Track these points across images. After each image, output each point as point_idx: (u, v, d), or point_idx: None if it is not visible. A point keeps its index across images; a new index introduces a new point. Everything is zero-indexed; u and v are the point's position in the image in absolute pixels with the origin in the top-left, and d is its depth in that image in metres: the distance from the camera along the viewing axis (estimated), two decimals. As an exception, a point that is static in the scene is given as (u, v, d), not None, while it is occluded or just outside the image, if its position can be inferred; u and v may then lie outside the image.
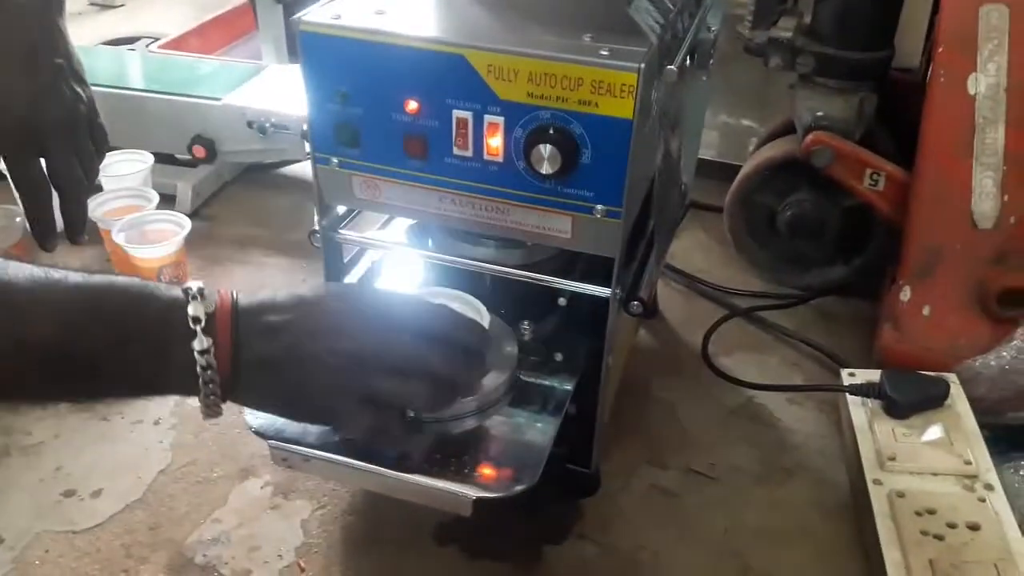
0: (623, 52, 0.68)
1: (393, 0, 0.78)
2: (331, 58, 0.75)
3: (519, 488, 0.77)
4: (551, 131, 0.72)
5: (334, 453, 0.78)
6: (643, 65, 0.67)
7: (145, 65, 1.71)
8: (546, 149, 0.72)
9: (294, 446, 0.79)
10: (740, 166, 1.37)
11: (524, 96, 0.72)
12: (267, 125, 1.46)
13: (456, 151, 0.77)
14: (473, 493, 0.75)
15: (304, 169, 1.64)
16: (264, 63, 1.64)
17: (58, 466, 1.01)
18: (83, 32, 2.34)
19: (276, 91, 1.52)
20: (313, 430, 0.79)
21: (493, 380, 0.81)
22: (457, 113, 0.74)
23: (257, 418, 0.81)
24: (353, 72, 0.75)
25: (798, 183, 1.29)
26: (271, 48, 1.64)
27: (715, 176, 1.54)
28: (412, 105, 0.75)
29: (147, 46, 2.18)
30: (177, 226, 1.25)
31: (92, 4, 2.56)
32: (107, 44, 2.26)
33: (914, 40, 1.33)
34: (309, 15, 0.75)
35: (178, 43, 2.02)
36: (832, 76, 1.21)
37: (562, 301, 0.89)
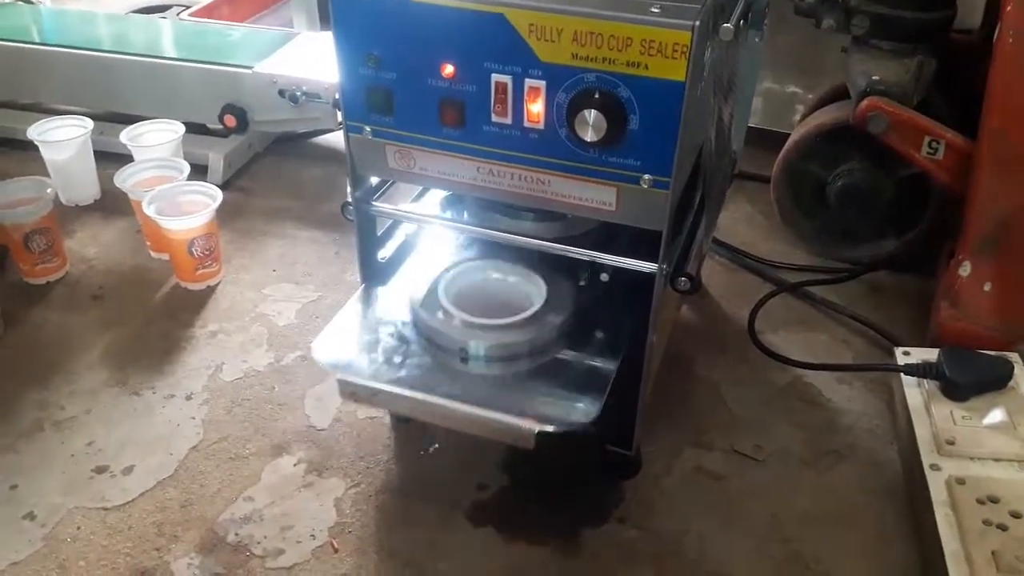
0: (676, 9, 0.64)
1: (428, -43, 0.74)
2: (363, 19, 0.71)
3: (580, 420, 0.77)
4: (596, 95, 0.68)
5: (400, 387, 0.79)
6: (697, 23, 0.62)
7: (175, 33, 1.68)
8: (591, 115, 0.68)
9: (362, 380, 0.80)
10: (786, 134, 1.31)
11: (568, 58, 0.67)
12: (299, 94, 1.43)
13: (495, 118, 0.73)
14: (536, 426, 0.75)
15: (337, 139, 1.60)
16: (296, 30, 1.61)
17: (90, 441, 0.99)
18: (116, 1, 2.32)
19: (308, 59, 1.49)
20: (381, 366, 0.81)
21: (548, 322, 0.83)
22: (496, 77, 0.70)
23: (326, 354, 0.83)
24: (386, 34, 0.71)
25: (849, 152, 1.23)
26: (303, 15, 1.60)
27: (760, 144, 1.48)
28: (448, 69, 0.71)
29: (178, 14, 2.15)
30: (209, 197, 1.22)
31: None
32: (138, 12, 2.24)
33: (974, -1, 1.26)
34: (340, -27, 0.71)
35: (209, 11, 1.99)
36: (888, 38, 1.14)
37: (604, 277, 0.85)
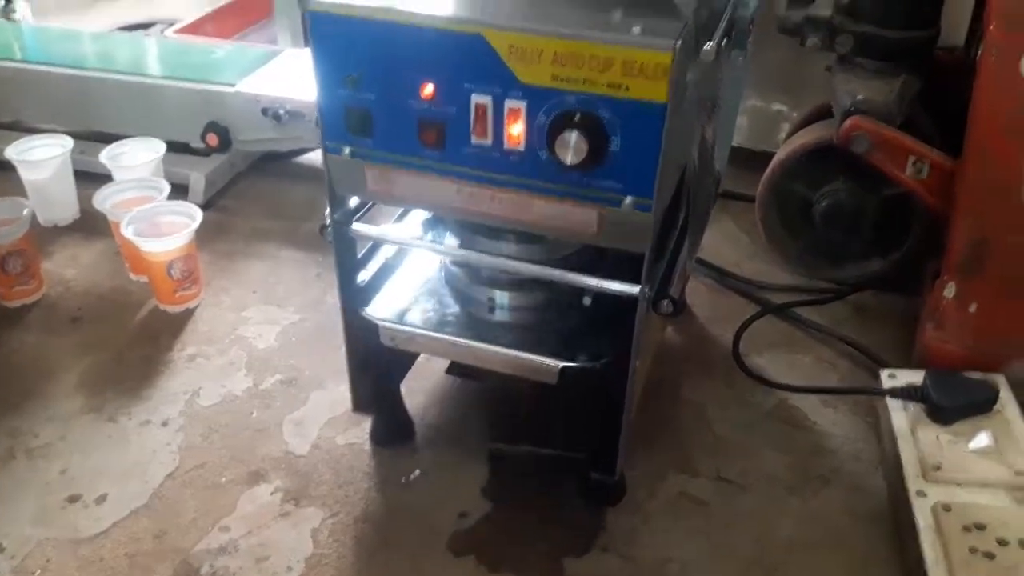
0: (657, 30, 0.63)
1: (407, -23, 0.73)
2: (341, 39, 0.70)
3: (601, 361, 0.81)
4: (577, 117, 0.67)
5: (434, 332, 0.86)
6: (679, 43, 0.61)
7: (157, 51, 1.67)
8: (571, 137, 0.67)
9: (400, 325, 0.87)
10: (771, 153, 1.31)
11: (548, 79, 0.66)
12: (282, 112, 1.42)
13: (475, 139, 0.72)
14: (559, 363, 0.81)
15: (319, 157, 1.59)
16: (280, 48, 1.59)
17: (63, 469, 0.97)
18: (100, 18, 2.31)
19: (291, 77, 1.48)
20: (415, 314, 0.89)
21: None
22: (476, 98, 0.69)
23: (372, 306, 0.89)
24: (365, 54, 0.70)
25: (834, 171, 1.22)
26: (287, 32, 1.59)
27: (744, 163, 1.47)
28: (427, 90, 0.70)
29: (162, 31, 2.15)
30: (188, 218, 1.21)
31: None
32: (123, 29, 2.23)
33: (959, 16, 1.26)
34: (317, -6, 0.70)
35: (194, 28, 1.98)
36: (872, 57, 1.14)
37: (587, 301, 0.84)
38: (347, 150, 0.77)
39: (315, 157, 1.60)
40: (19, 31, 1.76)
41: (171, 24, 2.12)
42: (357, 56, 0.71)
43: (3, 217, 1.20)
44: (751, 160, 1.42)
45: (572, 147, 0.67)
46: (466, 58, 0.67)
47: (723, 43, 0.76)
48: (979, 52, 1.01)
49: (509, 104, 0.68)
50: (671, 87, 0.63)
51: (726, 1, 0.80)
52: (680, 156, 0.76)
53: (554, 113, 0.67)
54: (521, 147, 0.70)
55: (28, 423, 1.03)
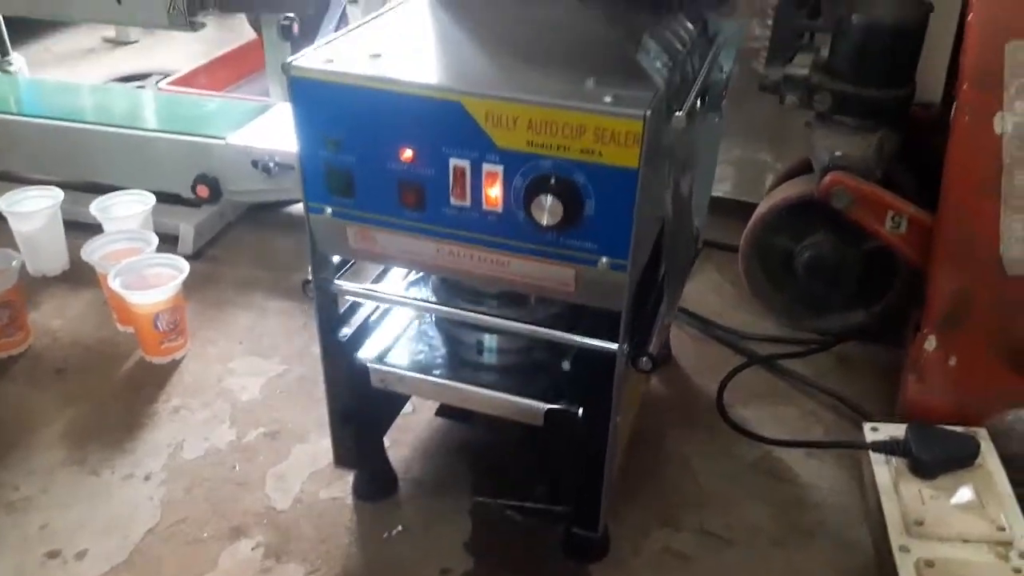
0: (628, 98, 0.64)
1: (388, 42, 0.75)
2: (323, 104, 0.72)
3: (585, 405, 0.82)
4: (552, 181, 0.68)
5: (423, 374, 0.87)
6: (649, 112, 0.63)
7: (150, 103, 1.69)
8: (547, 200, 0.68)
9: (390, 368, 0.88)
10: (756, 204, 1.33)
11: (524, 144, 0.68)
12: (271, 165, 1.44)
13: (454, 201, 0.73)
14: (545, 405, 0.82)
15: (310, 208, 1.61)
16: (271, 101, 1.62)
17: (44, 524, 0.97)
18: (97, 69, 2.35)
19: (282, 130, 1.50)
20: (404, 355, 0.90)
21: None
22: (454, 162, 0.71)
23: (363, 350, 0.90)
24: (346, 118, 0.72)
25: (816, 224, 1.24)
26: (278, 86, 1.61)
27: (730, 214, 1.50)
28: (407, 153, 0.72)
29: (157, 83, 2.18)
30: (176, 270, 1.22)
31: (106, 41, 2.56)
32: (119, 80, 2.27)
33: (936, 73, 1.28)
34: (301, 59, 0.72)
35: (187, 80, 2.01)
36: (850, 114, 1.16)
37: (565, 366, 0.85)
38: (329, 210, 0.78)
39: (302, 208, 1.62)
40: (15, 83, 1.79)
41: (166, 76, 2.16)
42: (339, 120, 0.72)
43: (-8, 268, 1.21)
44: (737, 210, 1.44)
45: (548, 210, 0.68)
46: (445, 124, 0.69)
47: (697, 106, 0.78)
48: (952, 112, 1.03)
49: (487, 168, 0.70)
50: (643, 154, 0.64)
51: (700, 65, 0.82)
52: (656, 216, 0.77)
53: (530, 177, 0.69)
54: (499, 208, 0.72)
55: (9, 476, 1.03)
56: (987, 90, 1.00)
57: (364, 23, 0.81)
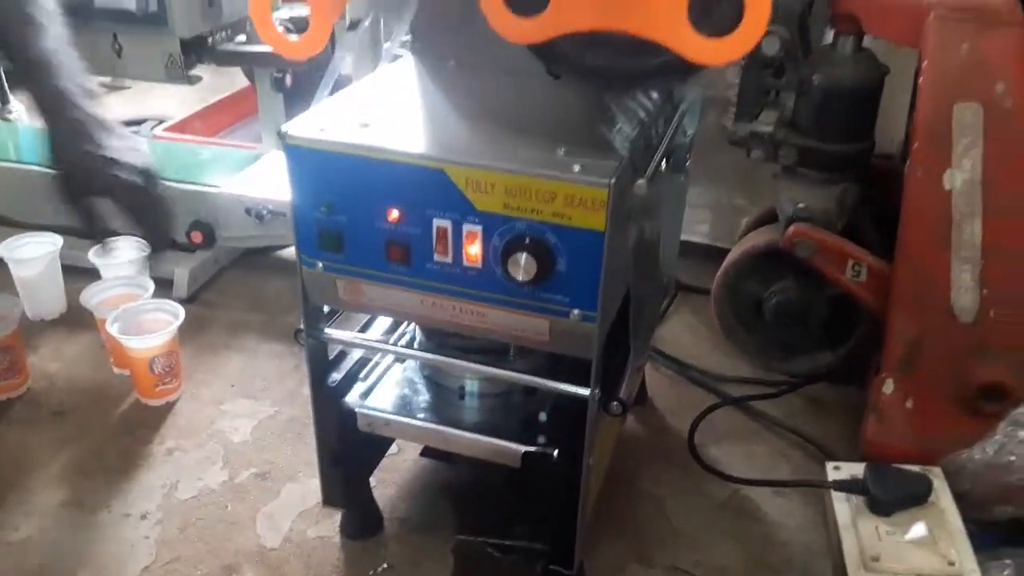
0: (595, 167, 0.71)
1: (377, 111, 0.81)
2: (317, 169, 0.78)
3: (560, 448, 0.87)
4: (527, 241, 0.74)
5: (408, 418, 0.92)
6: (613, 181, 0.69)
7: (147, 151, 1.75)
8: (522, 258, 0.74)
9: (376, 413, 0.93)
10: (729, 249, 1.39)
11: (501, 207, 0.74)
12: (264, 212, 1.49)
13: (437, 257, 0.79)
14: (522, 447, 0.87)
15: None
16: (263, 149, 1.68)
17: (43, 563, 1.00)
18: (91, 114, 2.40)
19: (274, 178, 1.55)
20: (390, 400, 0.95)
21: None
22: (437, 222, 0.77)
23: (350, 395, 0.95)
24: (338, 182, 0.78)
25: (783, 271, 1.30)
26: (271, 135, 1.67)
27: (705, 258, 1.56)
28: (394, 214, 0.77)
29: (152, 128, 2.24)
30: (171, 315, 1.26)
31: (101, 86, 2.63)
32: (113, 127, 2.32)
33: (896, 127, 1.36)
34: (295, 128, 0.78)
35: (182, 126, 2.07)
36: (813, 167, 1.23)
37: (543, 416, 0.90)
38: (320, 264, 0.83)
39: (294, 251, 1.67)
40: (15, 131, 1.84)
41: (160, 121, 2.22)
42: (331, 183, 0.78)
43: (-6, 313, 1.26)
44: (712, 255, 1.50)
45: (523, 267, 0.74)
46: (429, 188, 0.75)
47: (662, 168, 0.85)
48: (907, 168, 1.10)
49: (467, 228, 0.76)
50: (608, 217, 0.70)
51: (664, 129, 0.89)
52: (624, 271, 0.83)
53: (507, 237, 0.75)
54: (478, 265, 0.77)
55: (9, 516, 1.07)
56: (937, 148, 1.08)
57: (354, 89, 0.87)
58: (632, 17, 0.61)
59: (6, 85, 1.92)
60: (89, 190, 1.03)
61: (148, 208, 1.03)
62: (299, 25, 1.41)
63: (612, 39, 0.63)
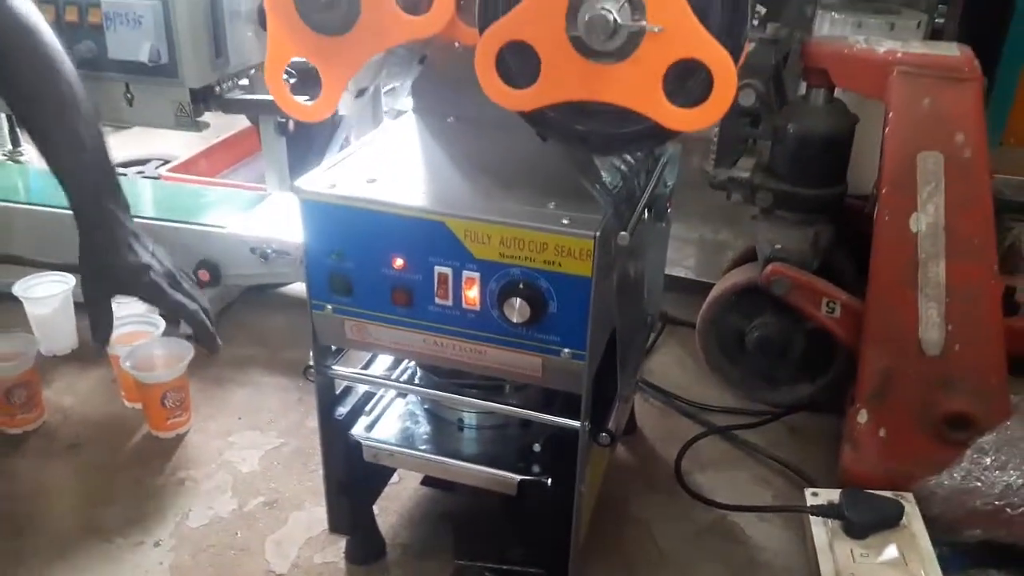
0: (582, 220, 0.78)
1: (383, 167, 0.89)
2: (328, 221, 0.85)
3: (554, 476, 0.93)
4: (521, 286, 0.81)
5: (411, 449, 0.98)
6: (598, 233, 0.76)
7: (155, 193, 1.82)
8: (516, 302, 0.81)
9: (381, 444, 0.99)
10: (713, 284, 1.46)
11: (497, 256, 0.81)
12: (269, 252, 1.56)
13: (438, 300, 0.86)
14: (518, 476, 0.93)
15: (301, 289, 1.71)
16: (267, 191, 1.75)
17: (62, 588, 1.06)
18: (96, 153, 2.47)
19: (278, 218, 1.62)
20: (393, 432, 1.02)
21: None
22: (439, 269, 0.84)
23: (356, 427, 1.01)
24: (348, 233, 0.85)
25: (763, 306, 1.38)
26: (274, 176, 1.74)
27: (691, 292, 1.63)
28: (399, 262, 0.84)
29: (156, 167, 2.31)
30: (180, 353, 1.33)
31: (104, 125, 2.70)
32: (120, 165, 2.39)
33: (868, 170, 1.44)
34: (308, 183, 0.85)
35: (187, 166, 2.15)
36: (789, 210, 1.31)
37: (537, 447, 0.97)
38: (329, 307, 0.90)
39: (296, 288, 1.74)
40: (25, 172, 1.91)
41: (165, 161, 2.29)
42: (341, 234, 0.85)
43: (10, 351, 1.31)
44: (699, 289, 1.56)
45: (517, 310, 0.81)
46: (431, 239, 0.82)
47: (644, 217, 0.92)
48: (875, 211, 1.18)
49: (466, 274, 0.82)
50: (595, 265, 0.77)
51: (646, 182, 0.96)
52: (610, 312, 0.90)
53: (502, 282, 0.81)
54: (476, 307, 0.84)
55: (29, 544, 1.12)
56: (903, 194, 1.16)
57: (361, 145, 0.95)
58: (614, 90, 0.68)
59: (17, 129, 2.00)
60: (113, 292, 1.10)
61: (179, 308, 1.11)
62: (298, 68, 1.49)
63: (597, 108, 0.71)
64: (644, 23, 0.65)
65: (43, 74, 1.04)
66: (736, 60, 0.66)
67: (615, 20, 0.65)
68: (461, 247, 0.81)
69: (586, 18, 0.66)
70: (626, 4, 0.65)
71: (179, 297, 1.11)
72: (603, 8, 0.65)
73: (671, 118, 0.69)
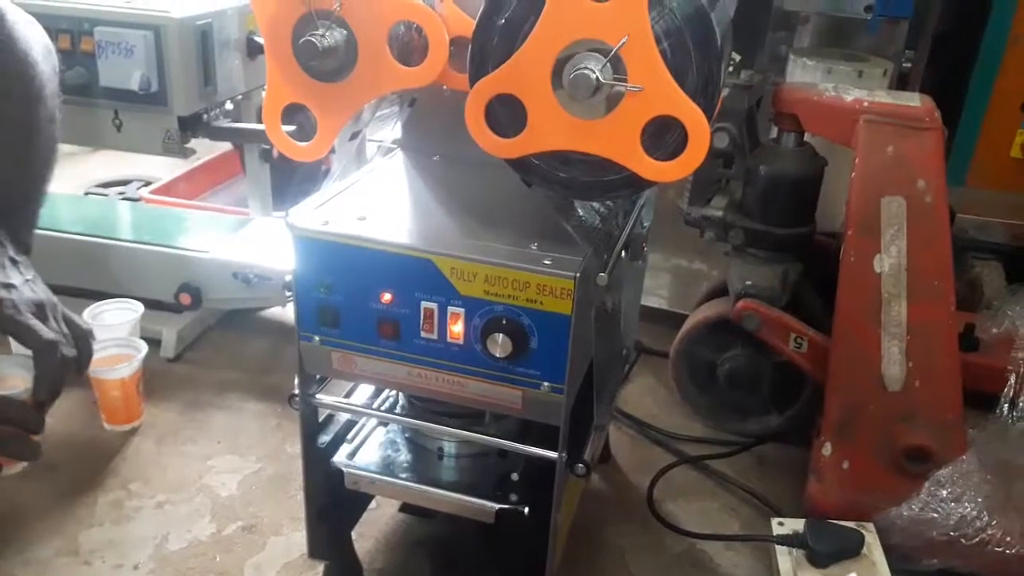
0: (562, 261, 0.82)
1: (372, 206, 0.92)
2: (319, 256, 0.88)
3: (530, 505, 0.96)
4: (504, 322, 0.85)
5: (391, 477, 1.00)
6: (578, 274, 0.80)
7: (135, 215, 1.84)
8: (499, 337, 0.84)
9: (362, 472, 1.01)
10: (687, 315, 1.51)
11: (481, 293, 0.84)
12: (251, 276, 1.58)
13: (423, 334, 0.89)
14: (496, 505, 0.96)
15: (281, 313, 1.75)
16: (250, 216, 1.77)
17: (40, 611, 1.07)
18: (75, 172, 2.48)
19: (260, 243, 1.65)
20: (374, 460, 1.03)
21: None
22: (424, 304, 0.87)
23: (338, 455, 1.03)
24: (337, 268, 0.88)
25: (733, 339, 1.42)
26: (257, 201, 1.77)
27: (665, 323, 1.68)
28: (386, 296, 0.88)
29: (137, 188, 2.33)
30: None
31: (84, 146, 2.71)
32: (101, 186, 2.41)
33: (836, 209, 1.50)
34: (300, 219, 0.88)
35: (167, 188, 2.17)
36: (760, 248, 1.36)
37: (515, 476, 1.00)
38: (317, 338, 0.93)
39: (277, 311, 1.76)
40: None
41: (146, 183, 2.31)
42: (331, 268, 0.88)
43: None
44: (673, 320, 1.60)
45: (500, 344, 0.84)
46: (418, 275, 0.85)
47: (621, 258, 0.96)
48: (841, 252, 1.23)
49: (451, 310, 0.86)
50: (574, 304, 0.81)
51: (624, 223, 1.00)
52: (588, 346, 0.94)
53: (486, 318, 0.85)
54: (460, 341, 0.88)
55: (7, 565, 1.13)
56: (868, 236, 1.21)
57: (352, 182, 0.98)
58: (596, 142, 0.72)
59: None
60: None
61: (29, 338, 0.97)
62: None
63: (579, 157, 0.75)
64: (625, 83, 0.69)
65: None
66: (710, 117, 0.71)
67: (597, 79, 0.69)
68: (447, 284, 0.85)
69: (571, 76, 0.70)
70: (608, 64, 0.69)
71: (32, 324, 0.97)
72: (586, 68, 0.69)
73: (649, 170, 0.73)
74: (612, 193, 0.76)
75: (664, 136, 0.73)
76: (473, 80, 0.75)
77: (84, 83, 1.44)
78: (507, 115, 0.75)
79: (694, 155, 0.71)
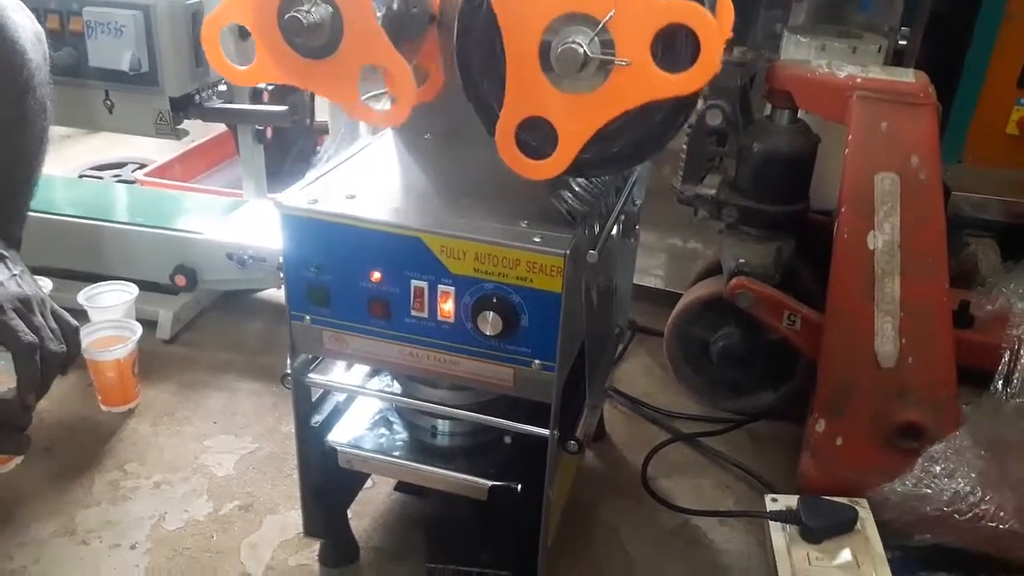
0: (553, 239, 0.82)
1: (361, 184, 0.92)
2: (308, 235, 0.88)
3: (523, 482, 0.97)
4: (494, 300, 0.85)
5: (384, 455, 1.01)
6: (568, 251, 0.80)
7: (134, 199, 1.84)
8: (489, 315, 0.85)
9: (356, 450, 1.01)
10: (681, 294, 1.51)
11: (471, 271, 0.84)
12: (246, 258, 1.58)
13: (414, 313, 0.89)
14: (489, 482, 0.96)
15: (276, 294, 1.75)
16: (245, 198, 1.77)
17: (38, 590, 1.07)
18: (71, 155, 2.48)
19: (255, 225, 1.65)
20: (368, 439, 1.04)
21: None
22: (415, 283, 0.87)
23: (331, 434, 1.03)
24: (327, 247, 0.88)
25: (727, 318, 1.42)
26: (251, 183, 1.76)
27: (660, 302, 1.68)
28: (376, 275, 0.88)
29: (133, 171, 2.32)
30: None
31: (76, 128, 2.69)
32: (95, 168, 2.40)
33: (831, 187, 1.49)
34: (289, 199, 0.88)
35: (162, 170, 2.16)
36: (753, 226, 1.36)
37: (507, 440, 1.00)
38: (308, 318, 0.93)
39: (272, 293, 1.76)
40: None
41: (141, 165, 2.30)
42: (321, 248, 0.88)
43: None
44: (668, 299, 1.60)
45: (490, 323, 0.85)
46: (408, 254, 0.85)
47: (613, 234, 0.96)
48: (835, 229, 1.23)
49: (441, 288, 0.86)
50: (565, 281, 0.81)
51: (616, 200, 1.00)
52: (579, 324, 0.94)
53: (476, 296, 0.85)
54: (451, 320, 0.88)
55: (4, 547, 1.13)
56: (861, 213, 1.21)
57: (343, 161, 0.98)
58: (619, 99, 0.73)
59: None
60: None
61: (9, 337, 0.93)
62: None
63: (617, 123, 0.75)
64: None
65: None
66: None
67: (585, 53, 0.69)
68: (437, 262, 0.85)
69: (559, 51, 0.70)
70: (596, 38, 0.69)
71: (13, 324, 0.93)
72: (573, 42, 0.69)
73: (664, 85, 0.72)
74: (664, 135, 0.76)
75: (672, 47, 0.71)
76: (489, 129, 0.78)
77: (74, 63, 1.44)
78: (538, 138, 0.77)
79: (708, 60, 0.68)
